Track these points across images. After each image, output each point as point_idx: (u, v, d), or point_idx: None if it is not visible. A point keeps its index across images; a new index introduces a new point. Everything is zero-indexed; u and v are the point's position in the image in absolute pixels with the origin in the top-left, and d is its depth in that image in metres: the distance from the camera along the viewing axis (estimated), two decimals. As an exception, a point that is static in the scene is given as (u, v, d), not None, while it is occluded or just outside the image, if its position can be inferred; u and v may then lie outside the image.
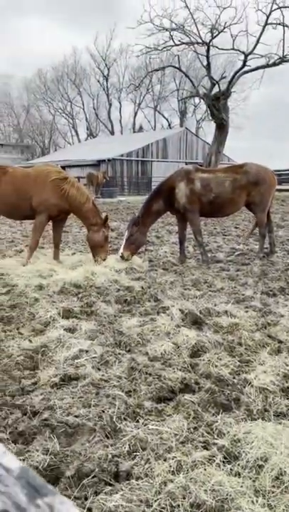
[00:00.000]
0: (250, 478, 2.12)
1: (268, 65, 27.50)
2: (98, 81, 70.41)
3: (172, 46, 29.45)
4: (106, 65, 68.67)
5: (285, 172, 28.40)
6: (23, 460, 2.27)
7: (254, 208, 7.66)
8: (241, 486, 2.03)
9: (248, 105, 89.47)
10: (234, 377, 3.29)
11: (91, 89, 70.92)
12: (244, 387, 3.13)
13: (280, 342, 3.92)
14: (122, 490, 2.05)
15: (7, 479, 0.70)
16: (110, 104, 71.64)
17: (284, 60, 26.83)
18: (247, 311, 4.78)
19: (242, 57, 27.82)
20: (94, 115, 73.25)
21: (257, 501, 1.95)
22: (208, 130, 65.49)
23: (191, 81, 33.17)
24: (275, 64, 27.31)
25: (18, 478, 0.70)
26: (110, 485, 2.14)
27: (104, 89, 70.60)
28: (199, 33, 28.20)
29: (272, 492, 2.01)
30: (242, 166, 7.70)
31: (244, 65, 27.80)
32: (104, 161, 39.89)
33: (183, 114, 66.73)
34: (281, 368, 3.34)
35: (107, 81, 70.03)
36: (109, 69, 69.20)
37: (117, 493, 2.03)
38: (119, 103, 72.24)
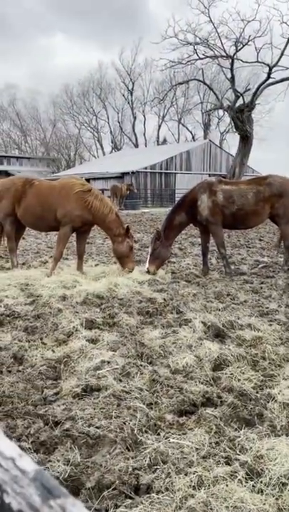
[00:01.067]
0: (274, 496, 2.07)
1: (293, 77, 27.33)
2: (123, 95, 71.58)
3: (196, 60, 29.71)
4: (131, 79, 69.81)
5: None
6: (44, 470, 2.29)
7: (278, 220, 7.56)
8: (264, 504, 1.98)
9: (273, 117, 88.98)
10: (257, 392, 3.23)
11: (116, 103, 72.13)
12: (267, 402, 3.06)
13: (305, 357, 3.83)
14: (142, 503, 2.04)
15: (22, 480, 0.71)
16: (135, 118, 72.61)
17: (309, 71, 26.62)
18: (271, 325, 4.70)
19: (266, 69, 27.78)
20: (118, 128, 74.35)
21: (280, 520, 1.90)
22: (232, 142, 65.38)
23: (215, 94, 33.29)
24: (300, 76, 27.12)
25: (33, 479, 0.72)
26: (130, 498, 2.12)
27: (128, 102, 71.69)
28: (223, 47, 28.37)
29: (297, 511, 1.96)
30: (265, 178, 7.64)
31: (268, 77, 27.73)
32: (128, 173, 40.31)
33: (207, 126, 66.89)
34: (306, 384, 3.26)
35: (131, 95, 71.11)
36: (134, 83, 70.30)
37: (137, 506, 2.02)
38: (144, 116, 73.14)
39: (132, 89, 70.59)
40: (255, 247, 11.08)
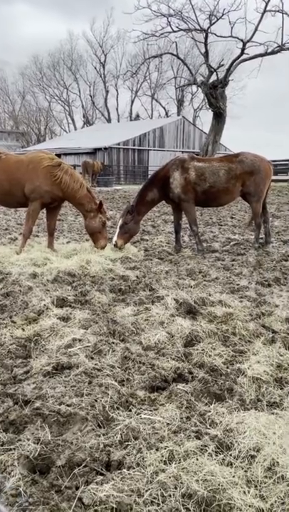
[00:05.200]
0: (243, 469, 2.11)
1: (266, 53, 27.22)
2: (95, 68, 69.64)
3: (170, 33, 29.10)
4: (103, 51, 67.84)
5: (282, 162, 28.25)
6: (14, 449, 2.25)
7: (249, 198, 7.60)
8: (233, 476, 2.02)
9: (246, 94, 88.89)
10: (228, 367, 3.28)
11: (88, 75, 70.38)
12: (237, 377, 3.12)
13: (274, 332, 3.91)
14: (114, 479, 2.04)
15: None
16: (107, 92, 70.94)
17: (283, 48, 26.56)
18: (241, 301, 4.77)
19: (240, 44, 27.55)
20: (90, 102, 72.56)
21: (249, 492, 1.94)
22: (206, 119, 65.01)
23: (188, 69, 32.85)
24: (273, 52, 27.05)
25: None
26: (102, 474, 2.12)
27: (100, 76, 69.84)
28: (197, 20, 27.88)
29: (265, 483, 2.00)
30: (237, 156, 7.63)
31: (242, 52, 27.52)
32: (100, 149, 39.58)
33: (180, 102, 66.17)
34: (275, 358, 3.33)
35: (104, 68, 69.25)
36: (106, 55, 68.40)
37: (108, 482, 2.02)
38: (116, 90, 71.55)
39: (104, 61, 68.71)
40: (227, 225, 11.16)
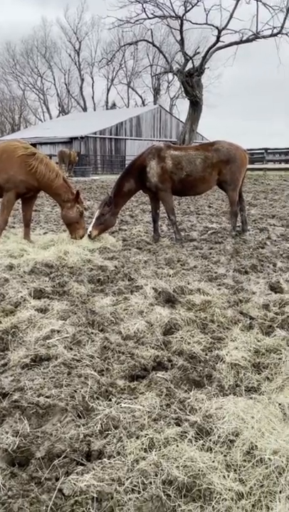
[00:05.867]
0: (222, 453, 2.13)
1: (241, 41, 27.24)
2: (69, 55, 68.33)
3: (145, 19, 28.77)
4: (77, 38, 66.59)
5: (258, 151, 28.47)
6: (-8, 443, 2.22)
7: (225, 187, 7.64)
8: (213, 461, 2.05)
9: (222, 83, 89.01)
10: (206, 354, 3.31)
11: (62, 63, 69.10)
12: (216, 363, 3.15)
13: (252, 318, 3.96)
14: (94, 469, 2.03)
15: None
16: (82, 80, 69.83)
17: (257, 36, 26.62)
18: (219, 289, 4.81)
19: (215, 32, 27.47)
20: (65, 91, 71.30)
21: (228, 476, 1.96)
22: (182, 108, 64.97)
23: (164, 56, 32.60)
24: (248, 40, 27.08)
25: None
26: (82, 465, 2.11)
27: (75, 63, 68.64)
28: (172, 6, 27.62)
29: (244, 466, 2.03)
30: (213, 144, 7.64)
31: (218, 40, 27.46)
32: (76, 138, 39.04)
33: (156, 91, 65.74)
34: (252, 344, 3.38)
35: (78, 55, 68.05)
36: (81, 43, 67.18)
37: (88, 472, 2.01)
38: (92, 78, 70.52)
39: (79, 49, 67.50)
40: (205, 214, 11.22)
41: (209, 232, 8.44)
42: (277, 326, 3.74)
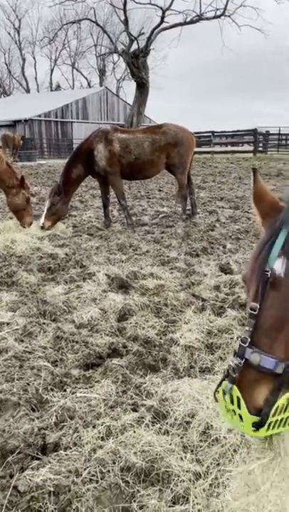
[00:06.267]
0: (179, 436, 2.16)
1: (185, 23, 27.19)
2: (9, 33, 65.09)
3: (87, -3, 27.84)
4: (17, 16, 63.46)
5: (205, 134, 28.81)
6: None
7: (174, 170, 7.66)
8: (170, 444, 2.07)
9: (168, 65, 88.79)
10: (161, 338, 3.33)
11: (2, 42, 65.58)
12: (171, 346, 3.18)
13: (204, 300, 4.03)
14: (50, 462, 1.99)
15: None
16: (24, 60, 66.93)
17: (201, 17, 26.67)
18: (172, 272, 4.84)
19: (160, 12, 27.20)
20: (6, 71, 68.07)
21: (186, 457, 1.99)
22: (129, 90, 64.17)
23: (108, 36, 31.91)
24: (192, 21, 27.08)
25: None
26: (37, 459, 2.06)
27: (16, 42, 65.55)
28: (115, -15, 26.91)
29: (200, 446, 2.07)
30: (160, 127, 7.60)
31: (162, 21, 27.23)
32: (20, 121, 37.57)
33: (102, 72, 64.37)
34: (205, 325, 3.44)
35: (18, 34, 64.98)
36: (21, 21, 64.13)
37: (44, 466, 1.96)
38: (34, 58, 67.76)
39: (19, 27, 64.41)
40: (155, 198, 11.23)
41: (160, 216, 8.46)
42: (228, 307, 3.83)
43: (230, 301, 3.94)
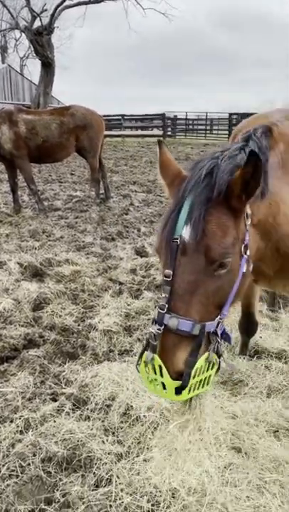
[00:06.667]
0: (100, 420, 2.17)
1: (90, 2, 26.53)
2: None
3: None
4: None
5: (115, 117, 28.65)
6: None
7: (85, 153, 7.54)
8: (91, 429, 2.07)
9: (75, 45, 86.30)
10: (79, 325, 3.30)
11: None
12: (89, 332, 3.16)
13: (121, 284, 4.07)
14: None
15: None
16: None
17: (106, -3, 26.19)
18: (88, 258, 4.80)
19: (63, -11, 26.12)
20: None
21: (107, 440, 2.01)
22: (34, 69, 61.23)
23: (9, 11, 29.94)
24: (97, 1, 26.50)
25: None
26: None
27: None
28: None
29: (121, 428, 2.11)
30: (68, 109, 7.40)
31: (66, -2, 26.22)
32: None
33: (4, 49, 60.52)
34: (123, 309, 3.48)
35: None
36: None
37: None
38: None
39: None
40: (68, 182, 10.98)
41: (74, 200, 8.30)
42: (144, 289, 3.90)
43: (146, 283, 4.02)
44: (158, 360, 1.51)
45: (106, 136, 8.02)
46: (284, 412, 2.20)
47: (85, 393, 2.36)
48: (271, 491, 1.73)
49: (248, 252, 1.62)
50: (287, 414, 2.19)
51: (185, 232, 1.52)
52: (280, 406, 2.25)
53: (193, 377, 1.51)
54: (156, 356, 1.52)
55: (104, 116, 8.83)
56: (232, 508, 1.64)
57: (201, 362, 1.52)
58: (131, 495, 1.72)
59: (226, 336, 1.67)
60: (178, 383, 1.50)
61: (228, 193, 1.53)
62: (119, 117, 28.22)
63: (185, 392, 1.50)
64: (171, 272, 1.52)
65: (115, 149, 21.30)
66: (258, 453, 1.92)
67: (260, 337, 2.99)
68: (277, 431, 2.10)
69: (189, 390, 1.52)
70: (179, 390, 1.51)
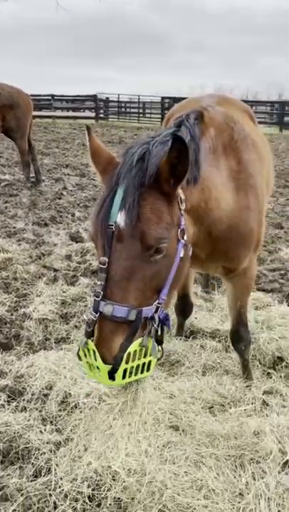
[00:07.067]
0: (37, 410, 2.13)
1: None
2: None
3: None
4: None
5: (45, 97, 27.58)
6: None
7: (12, 135, 7.21)
8: (28, 420, 2.03)
9: (2, 19, 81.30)
10: (12, 314, 3.18)
11: None
12: (23, 321, 3.07)
13: (56, 270, 3.98)
14: None
15: None
16: None
17: None
18: (20, 244, 4.63)
19: None
20: None
21: (45, 430, 1.98)
22: None
23: None
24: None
25: None
26: None
27: None
28: None
29: (60, 416, 2.08)
30: (-8, 87, 7.01)
31: None
32: None
33: None
34: (58, 296, 3.41)
35: None
36: None
37: None
38: None
39: None
40: (-5, 165, 10.44)
41: (2, 184, 7.92)
42: (80, 275, 3.85)
43: (82, 269, 3.96)
44: (92, 345, 1.50)
45: (35, 116, 7.71)
46: (218, 389, 2.31)
47: (21, 384, 2.30)
48: (208, 464, 1.82)
49: (185, 237, 1.65)
50: (221, 390, 2.30)
51: (120, 218, 1.51)
52: (215, 383, 2.35)
53: (127, 361, 1.51)
54: (89, 341, 1.51)
55: (33, 95, 8.44)
56: (171, 484, 1.70)
57: (134, 346, 1.53)
58: (71, 482, 1.71)
59: (166, 321, 1.67)
60: (109, 367, 1.50)
61: (158, 178, 1.54)
62: (49, 97, 27.22)
63: (118, 376, 1.50)
64: (107, 259, 1.51)
65: (46, 131, 20.54)
66: (194, 429, 1.99)
67: (195, 318, 3.09)
68: (212, 407, 2.20)
69: (124, 375, 1.52)
70: (112, 375, 1.51)
